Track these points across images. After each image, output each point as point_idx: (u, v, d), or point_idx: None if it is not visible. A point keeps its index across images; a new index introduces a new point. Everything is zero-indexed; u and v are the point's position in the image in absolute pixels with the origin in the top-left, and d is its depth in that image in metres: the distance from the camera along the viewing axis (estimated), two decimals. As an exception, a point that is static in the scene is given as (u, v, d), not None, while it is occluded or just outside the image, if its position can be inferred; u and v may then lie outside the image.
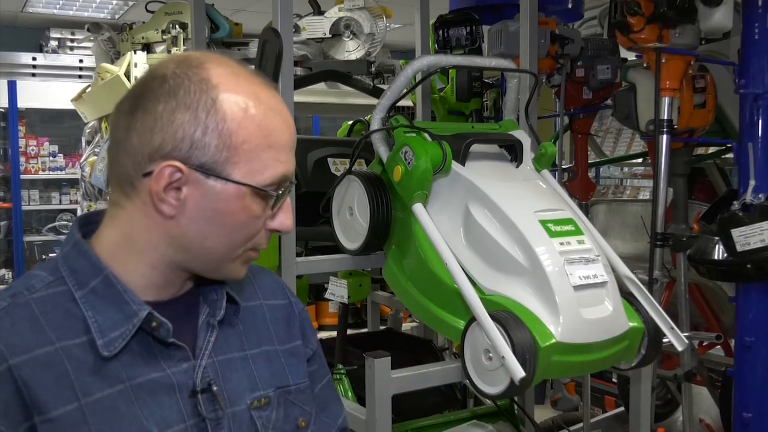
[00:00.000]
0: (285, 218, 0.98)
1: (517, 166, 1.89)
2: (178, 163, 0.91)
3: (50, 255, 6.39)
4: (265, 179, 0.93)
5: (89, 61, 5.74)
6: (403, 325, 3.45)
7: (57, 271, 0.95)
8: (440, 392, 2.42)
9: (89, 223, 1.01)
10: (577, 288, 1.55)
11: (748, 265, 2.16)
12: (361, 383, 1.79)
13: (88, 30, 4.51)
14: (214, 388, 0.97)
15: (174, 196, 0.92)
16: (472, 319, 1.56)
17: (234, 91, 0.93)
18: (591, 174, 3.33)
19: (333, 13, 3.44)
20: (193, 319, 1.01)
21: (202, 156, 0.91)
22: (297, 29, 3.33)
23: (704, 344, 2.81)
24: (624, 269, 1.74)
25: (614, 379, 3.94)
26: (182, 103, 0.91)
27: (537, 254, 1.56)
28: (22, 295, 0.92)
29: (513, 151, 1.90)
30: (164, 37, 3.84)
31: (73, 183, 6.27)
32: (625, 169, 5.60)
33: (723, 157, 2.93)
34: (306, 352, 1.15)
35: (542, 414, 3.86)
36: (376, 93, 2.97)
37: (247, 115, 0.92)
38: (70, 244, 0.98)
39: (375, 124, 1.88)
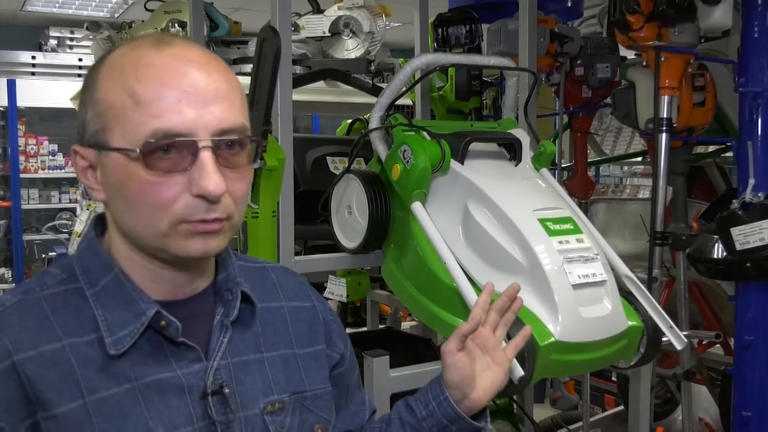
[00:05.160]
0: (202, 181, 0.87)
1: (516, 165, 1.88)
2: (75, 146, 0.93)
3: (50, 254, 6.40)
4: (138, 140, 0.86)
5: (88, 60, 5.76)
6: (403, 323, 3.45)
7: (71, 268, 0.95)
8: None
9: (105, 222, 1.00)
10: (576, 287, 1.55)
11: (748, 264, 2.16)
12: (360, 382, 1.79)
13: (87, 29, 4.49)
14: (226, 391, 0.94)
15: (94, 179, 0.93)
16: (470, 318, 1.56)
17: (112, 61, 0.92)
18: (590, 172, 3.33)
19: (332, 12, 3.43)
20: (208, 320, 0.98)
21: (88, 132, 0.91)
22: (296, 28, 3.32)
23: (703, 343, 2.81)
24: (623, 268, 1.74)
25: (614, 378, 3.94)
26: (83, 92, 0.93)
27: (536, 253, 1.56)
28: (34, 292, 0.92)
29: (512, 150, 1.90)
30: (164, 36, 3.83)
31: (72, 182, 6.28)
32: (625, 168, 5.60)
33: (722, 155, 2.93)
34: (331, 356, 1.12)
35: (541, 413, 3.86)
36: (376, 91, 2.97)
37: (113, 78, 0.89)
38: (85, 243, 0.98)
39: (374, 123, 1.88)
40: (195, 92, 0.88)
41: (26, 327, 0.89)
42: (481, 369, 1.13)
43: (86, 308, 0.92)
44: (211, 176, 0.87)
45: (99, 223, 1.00)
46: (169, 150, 0.87)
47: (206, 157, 0.88)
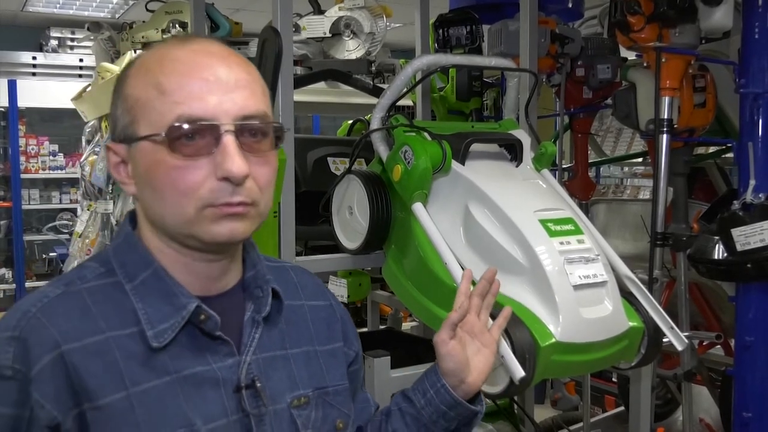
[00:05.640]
0: (225, 163, 0.90)
1: (517, 166, 1.88)
2: (108, 143, 0.98)
3: (50, 254, 6.40)
4: (163, 126, 0.90)
5: (89, 61, 5.75)
6: (403, 324, 3.45)
7: (108, 262, 0.98)
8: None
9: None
10: (576, 287, 1.55)
11: (748, 265, 2.16)
12: (361, 382, 1.79)
13: (88, 29, 4.50)
14: (258, 385, 0.98)
15: (125, 173, 0.97)
16: (471, 319, 1.56)
17: (141, 60, 0.96)
18: (591, 173, 3.33)
19: (333, 13, 3.42)
20: (238, 315, 1.02)
21: (119, 127, 0.96)
22: (297, 28, 3.32)
23: (704, 344, 2.81)
24: (624, 269, 1.74)
25: (614, 379, 3.95)
26: (114, 92, 0.99)
27: (537, 254, 1.56)
28: (75, 284, 0.95)
29: (513, 151, 1.90)
30: (164, 36, 3.83)
31: (73, 182, 6.28)
32: (625, 169, 5.60)
33: (723, 156, 2.93)
34: (348, 354, 1.16)
35: (542, 413, 3.87)
36: (376, 92, 2.97)
37: (140, 74, 0.94)
38: (121, 237, 1.01)
39: (375, 124, 1.88)
40: (217, 82, 0.92)
41: (71, 318, 0.91)
42: (473, 353, 1.17)
43: (126, 301, 0.94)
44: (234, 159, 0.90)
45: (133, 219, 1.03)
46: (193, 136, 0.90)
47: (229, 140, 0.91)
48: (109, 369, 0.89)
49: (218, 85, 0.92)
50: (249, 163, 0.92)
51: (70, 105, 4.78)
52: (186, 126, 0.90)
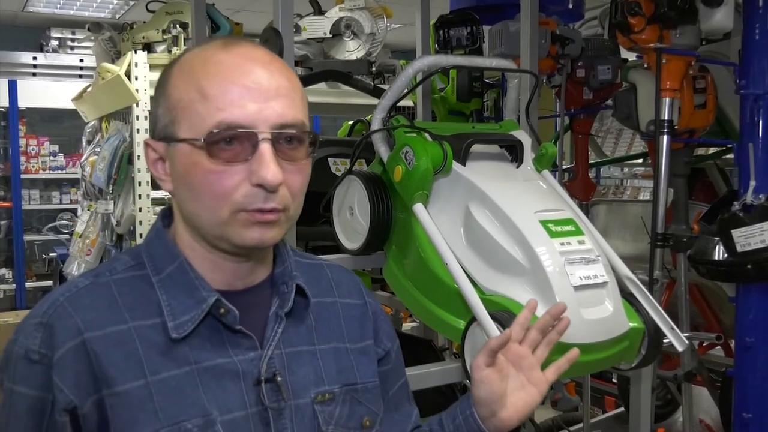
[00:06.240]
0: (261, 170, 0.92)
1: (517, 167, 1.88)
2: (147, 139, 1.01)
3: (51, 254, 6.40)
4: (203, 131, 0.93)
5: (90, 61, 5.76)
6: (404, 325, 3.46)
7: (139, 256, 1.02)
8: (440, 392, 2.42)
9: (172, 214, 1.06)
10: (577, 288, 1.55)
11: (749, 266, 2.16)
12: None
13: (88, 29, 4.50)
14: (279, 379, 0.99)
15: (163, 170, 1.00)
16: (472, 319, 1.57)
17: (184, 61, 0.98)
18: (591, 174, 3.33)
19: (333, 13, 3.43)
20: (264, 310, 1.03)
21: (159, 125, 0.98)
22: (297, 29, 3.32)
23: (704, 344, 2.81)
24: (624, 269, 1.74)
25: (614, 380, 3.95)
26: (156, 89, 1.01)
27: (537, 254, 1.56)
28: (104, 276, 0.99)
29: (513, 152, 1.90)
30: (165, 36, 3.84)
31: (73, 182, 6.29)
32: (626, 170, 5.60)
33: (723, 157, 2.93)
34: (377, 352, 1.16)
35: (542, 414, 3.86)
36: (377, 93, 2.97)
37: (183, 75, 0.97)
38: (153, 232, 1.04)
39: (375, 124, 1.88)
40: (258, 89, 0.94)
41: (96, 308, 0.95)
42: (514, 388, 1.11)
43: (151, 294, 0.98)
44: (269, 166, 0.92)
45: (167, 214, 1.05)
46: (231, 141, 0.93)
47: (265, 148, 0.93)
48: (129, 357, 0.93)
49: (259, 93, 0.94)
50: (283, 170, 0.94)
51: (71, 105, 4.78)
52: (225, 132, 0.92)
